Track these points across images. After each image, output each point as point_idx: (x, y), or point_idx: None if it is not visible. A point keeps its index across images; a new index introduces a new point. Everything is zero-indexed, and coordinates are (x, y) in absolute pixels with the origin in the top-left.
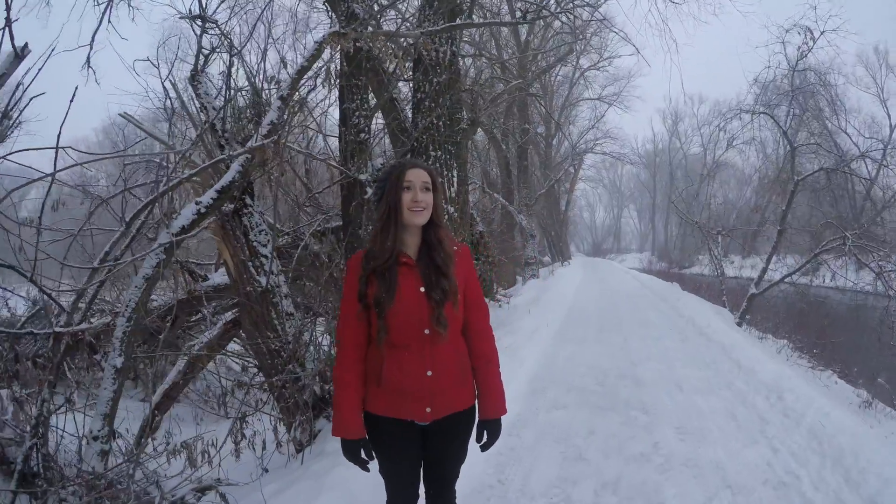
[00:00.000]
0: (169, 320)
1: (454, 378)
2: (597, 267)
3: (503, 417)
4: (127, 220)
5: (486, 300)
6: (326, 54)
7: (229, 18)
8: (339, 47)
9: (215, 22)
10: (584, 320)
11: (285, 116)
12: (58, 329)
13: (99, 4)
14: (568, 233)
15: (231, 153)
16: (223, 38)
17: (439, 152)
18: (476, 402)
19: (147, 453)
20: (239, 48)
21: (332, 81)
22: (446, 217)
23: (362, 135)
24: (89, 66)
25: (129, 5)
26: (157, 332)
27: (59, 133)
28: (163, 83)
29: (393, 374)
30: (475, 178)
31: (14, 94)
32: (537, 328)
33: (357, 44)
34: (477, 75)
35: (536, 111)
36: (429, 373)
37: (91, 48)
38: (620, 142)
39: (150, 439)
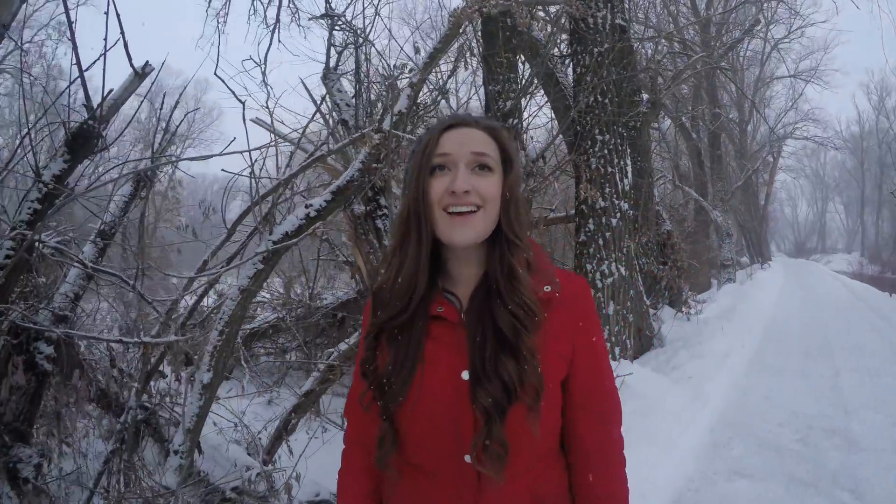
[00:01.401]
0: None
1: None
2: (799, 270)
3: (662, 487)
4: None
5: (673, 311)
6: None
7: (362, 11)
8: (477, 19)
9: (342, 17)
10: (785, 341)
11: (416, 105)
12: (146, 339)
13: (269, 27)
14: (767, 230)
15: (331, 147)
16: (352, 34)
17: (607, 136)
18: None
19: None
20: (364, 37)
21: (472, 62)
22: (603, 215)
23: (511, 119)
24: (265, 83)
25: (299, 24)
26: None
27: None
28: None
29: None
30: (665, 171)
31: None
32: (730, 351)
33: (494, 11)
34: (654, 53)
35: (727, 94)
36: None
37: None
38: (822, 124)
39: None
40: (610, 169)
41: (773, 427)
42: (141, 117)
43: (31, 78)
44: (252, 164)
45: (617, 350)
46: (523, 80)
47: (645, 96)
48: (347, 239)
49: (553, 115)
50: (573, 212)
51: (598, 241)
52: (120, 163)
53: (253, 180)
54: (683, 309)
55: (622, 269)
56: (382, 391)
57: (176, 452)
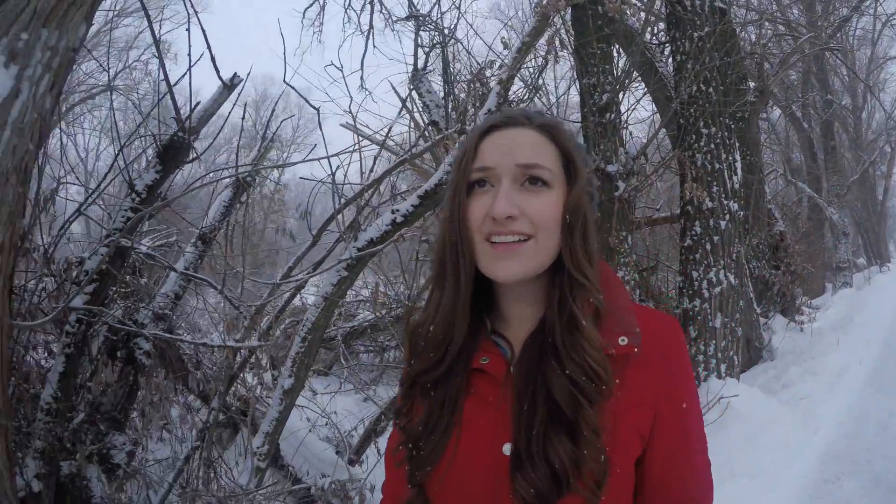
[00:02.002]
0: None
1: None
2: None
3: None
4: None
5: (785, 320)
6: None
7: (448, 10)
8: (565, 8)
9: (427, 17)
10: None
11: (506, 102)
12: (229, 343)
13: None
14: (886, 228)
15: (415, 151)
16: (438, 33)
17: (713, 129)
18: None
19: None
20: (450, 35)
21: (560, 55)
22: (710, 217)
23: (608, 114)
24: (363, 87)
25: (393, 30)
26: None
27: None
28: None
29: None
30: (776, 165)
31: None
32: (845, 367)
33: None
34: (757, 37)
35: (838, 79)
36: None
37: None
38: None
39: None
40: (717, 165)
41: (889, 463)
42: (247, 125)
43: (138, 94)
44: (334, 171)
45: (723, 367)
46: (620, 72)
47: (751, 84)
48: None
49: (655, 108)
50: (679, 211)
51: (705, 245)
52: (217, 169)
53: (336, 186)
54: (797, 318)
55: (731, 278)
56: (412, 454)
57: (254, 454)
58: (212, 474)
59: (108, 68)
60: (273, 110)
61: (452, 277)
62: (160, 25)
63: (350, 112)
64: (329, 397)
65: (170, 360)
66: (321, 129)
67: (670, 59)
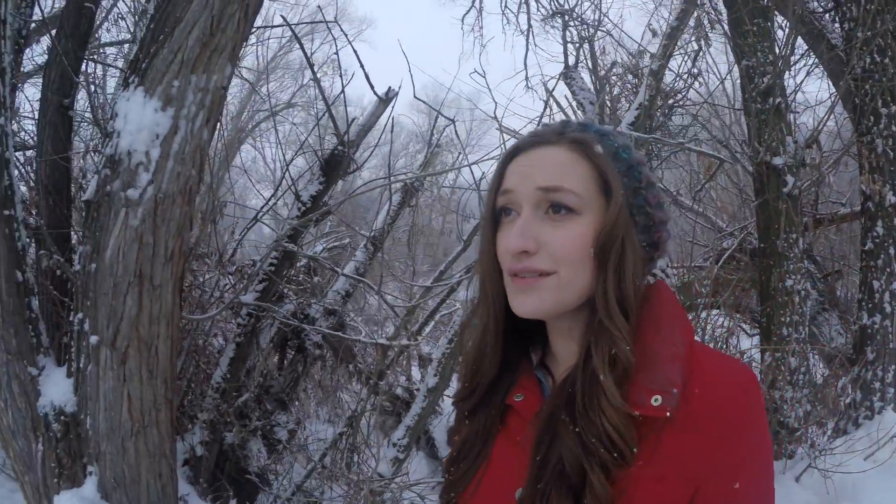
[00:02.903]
0: None
1: None
2: None
3: None
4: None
5: None
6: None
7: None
8: None
9: (573, 12)
10: None
11: (662, 94)
12: (380, 341)
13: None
14: None
15: None
16: (584, 28)
17: (894, 107)
18: None
19: None
20: (596, 28)
21: (710, 37)
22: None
23: (772, 99)
24: (528, 86)
25: (553, 26)
26: None
27: None
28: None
29: None
30: None
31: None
32: None
33: None
34: None
35: None
36: None
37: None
38: None
39: None
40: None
41: None
42: (420, 130)
43: (316, 110)
44: (479, 180)
45: None
46: (785, 50)
47: None
48: None
49: (831, 88)
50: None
51: (887, 250)
52: (385, 176)
53: (482, 192)
54: None
55: None
56: (446, 475)
57: (394, 445)
58: (354, 458)
59: (265, 93)
60: (437, 117)
61: (483, 310)
62: (331, 45)
63: (495, 118)
64: None
65: (340, 351)
66: (458, 137)
67: (838, 28)
